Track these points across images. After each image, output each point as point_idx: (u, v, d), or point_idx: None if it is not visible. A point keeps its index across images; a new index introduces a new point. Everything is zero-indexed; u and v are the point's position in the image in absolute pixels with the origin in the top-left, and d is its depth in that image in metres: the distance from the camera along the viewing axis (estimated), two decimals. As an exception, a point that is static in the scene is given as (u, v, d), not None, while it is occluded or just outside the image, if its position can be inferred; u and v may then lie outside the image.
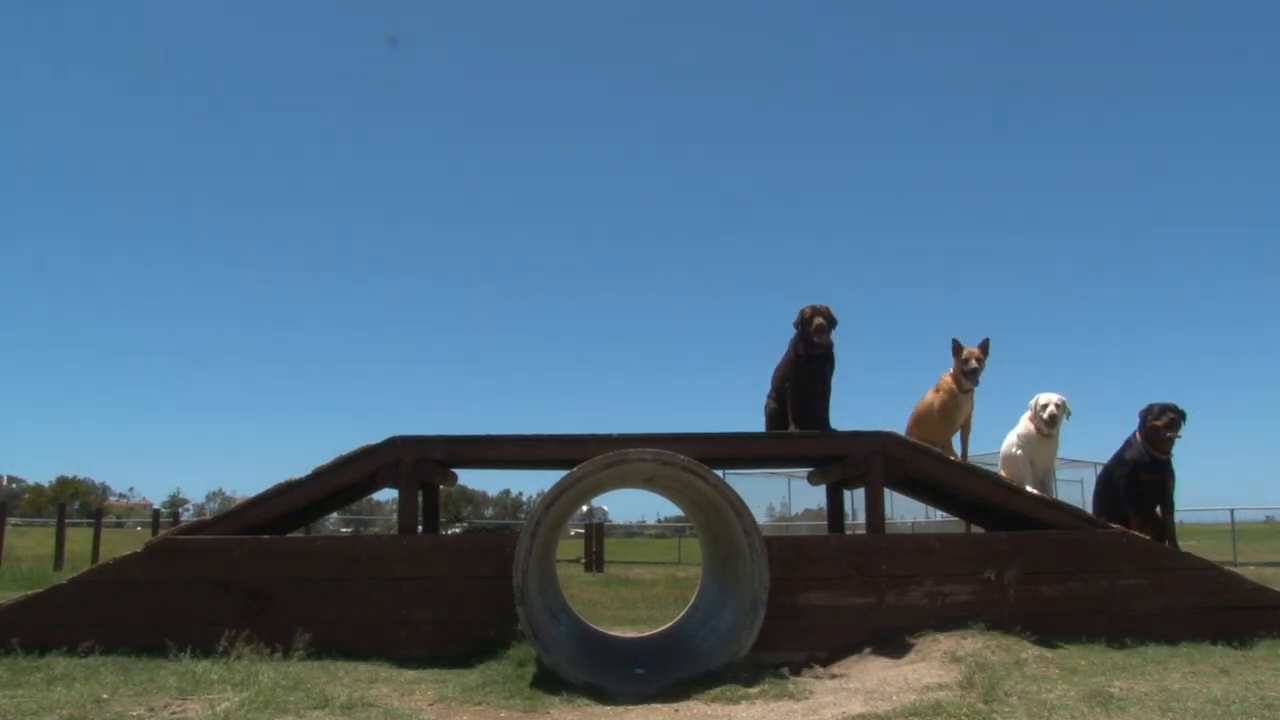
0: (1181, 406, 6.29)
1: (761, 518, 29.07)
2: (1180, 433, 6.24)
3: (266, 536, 5.99)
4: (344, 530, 33.50)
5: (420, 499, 6.60)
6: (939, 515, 21.98)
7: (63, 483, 71.80)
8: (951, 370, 6.72)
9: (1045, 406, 6.62)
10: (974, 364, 6.57)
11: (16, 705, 4.15)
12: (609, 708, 4.50)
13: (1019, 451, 6.74)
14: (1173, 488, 6.42)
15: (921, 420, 6.86)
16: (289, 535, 6.54)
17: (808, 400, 6.51)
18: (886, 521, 6.50)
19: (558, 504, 5.41)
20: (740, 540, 5.34)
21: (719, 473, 5.51)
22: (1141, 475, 6.32)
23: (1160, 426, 6.25)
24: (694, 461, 5.39)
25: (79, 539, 19.52)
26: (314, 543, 6.24)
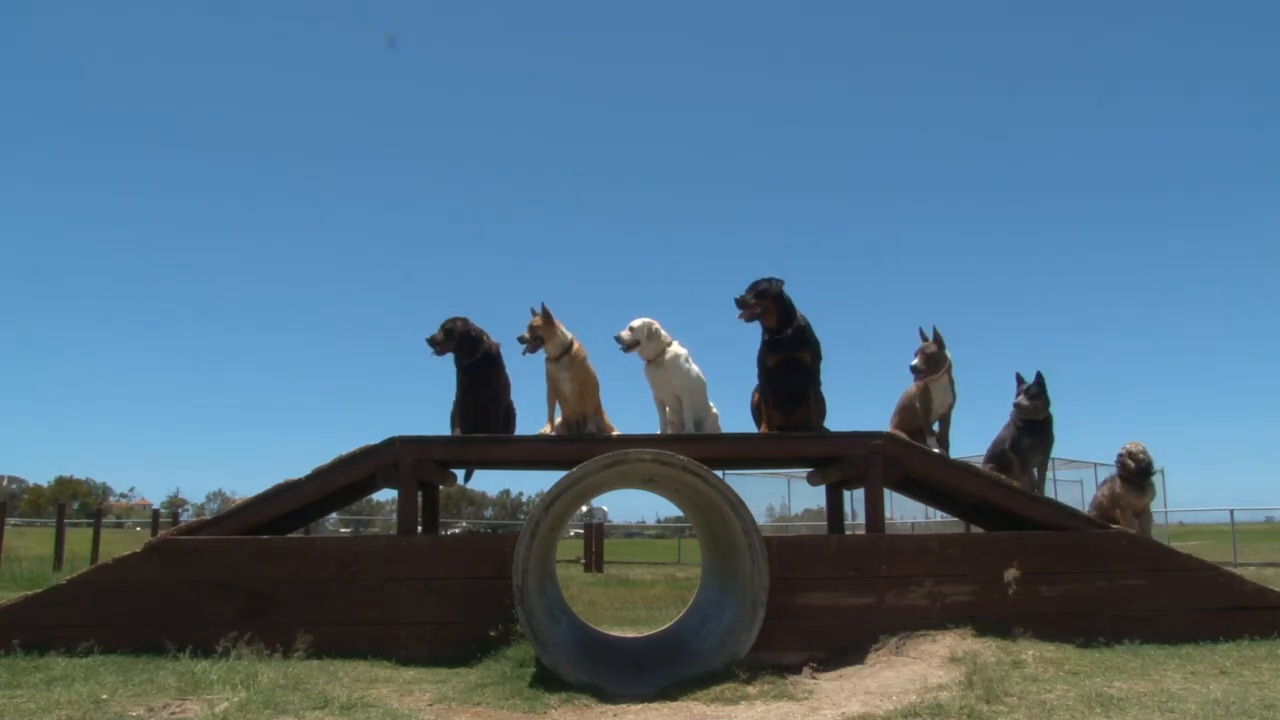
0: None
1: (761, 518, 29.07)
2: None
3: (266, 537, 5.99)
4: (343, 530, 33.47)
5: (420, 499, 6.60)
6: (938, 516, 21.99)
7: (62, 483, 71.80)
8: None
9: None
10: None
11: (16, 706, 4.15)
12: (608, 708, 4.50)
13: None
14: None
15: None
16: (288, 536, 6.54)
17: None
18: (886, 522, 6.49)
19: (557, 504, 5.41)
20: (740, 540, 5.34)
21: (719, 473, 5.51)
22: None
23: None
24: (694, 462, 5.39)
25: (78, 539, 19.51)
26: (314, 543, 6.23)
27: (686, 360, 6.45)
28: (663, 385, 6.45)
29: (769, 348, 6.21)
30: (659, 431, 6.41)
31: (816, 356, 6.28)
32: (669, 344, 6.41)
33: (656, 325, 6.40)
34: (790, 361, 6.20)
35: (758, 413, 6.54)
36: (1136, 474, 7.04)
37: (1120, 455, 7.15)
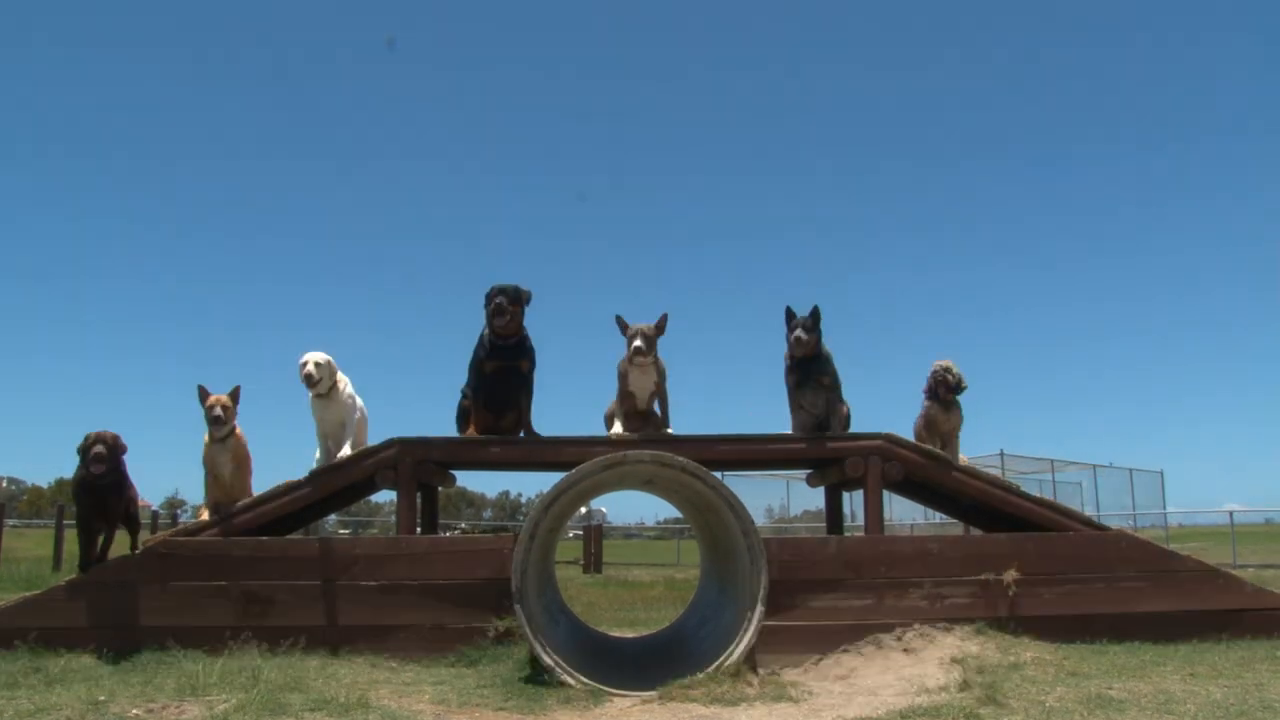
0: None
1: (760, 520, 29.12)
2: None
3: (265, 538, 5.99)
4: (342, 532, 33.46)
5: (419, 500, 6.60)
6: (938, 517, 22.02)
7: (61, 484, 71.61)
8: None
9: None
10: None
11: (15, 707, 4.15)
12: (608, 708, 4.50)
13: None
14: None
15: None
16: (288, 537, 6.54)
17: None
18: (885, 523, 6.49)
19: (556, 505, 5.42)
20: (739, 542, 5.35)
21: (718, 474, 5.51)
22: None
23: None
24: (693, 463, 5.39)
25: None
26: (312, 544, 6.22)
27: (353, 394, 6.50)
28: (331, 418, 6.43)
29: (491, 353, 6.20)
30: (318, 463, 6.35)
31: (533, 365, 6.33)
32: (339, 377, 6.45)
33: (333, 359, 6.41)
34: (511, 370, 6.25)
35: (465, 416, 6.45)
36: (943, 391, 6.67)
37: (930, 373, 6.79)
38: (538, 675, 4.91)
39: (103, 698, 4.33)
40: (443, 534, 8.91)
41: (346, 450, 6.25)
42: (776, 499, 30.31)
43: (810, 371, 6.27)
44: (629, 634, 7.48)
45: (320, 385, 6.23)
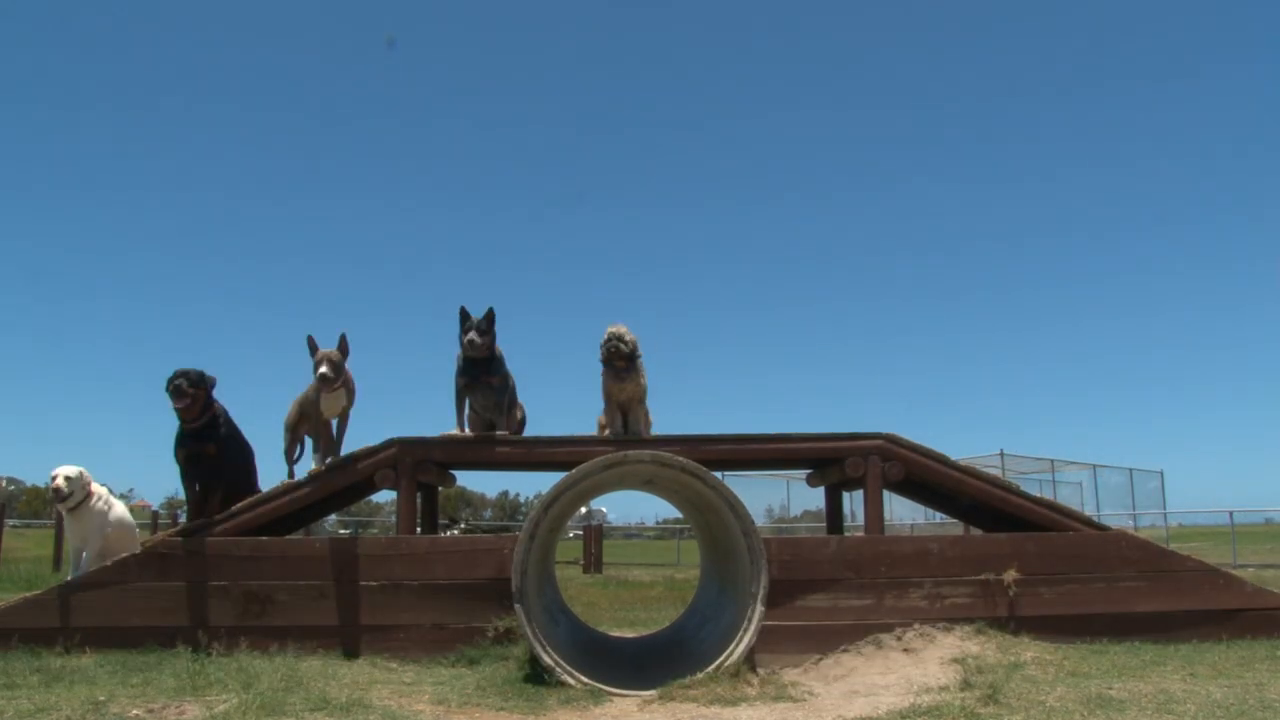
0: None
1: (760, 520, 29.12)
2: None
3: (265, 538, 5.98)
4: (342, 532, 33.45)
5: (419, 500, 6.60)
6: (938, 517, 22.02)
7: (61, 484, 71.44)
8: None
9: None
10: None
11: (15, 707, 4.14)
12: (608, 708, 4.50)
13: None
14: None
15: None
16: (287, 537, 6.54)
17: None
18: (885, 523, 6.49)
19: (556, 505, 5.42)
20: (739, 542, 5.35)
21: (718, 474, 5.51)
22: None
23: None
24: (693, 463, 5.39)
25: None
26: (312, 544, 6.22)
27: (106, 507, 6.36)
28: (81, 529, 6.27)
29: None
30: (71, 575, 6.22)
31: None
32: (94, 488, 6.31)
33: (85, 470, 6.29)
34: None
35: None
36: (616, 359, 6.27)
37: (602, 341, 6.37)
38: (538, 675, 4.91)
39: (103, 698, 4.33)
40: (442, 534, 8.90)
41: (85, 563, 6.13)
42: (776, 499, 30.34)
43: (478, 373, 6.25)
44: (629, 634, 7.48)
45: (71, 499, 6.11)
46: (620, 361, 6.21)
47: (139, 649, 5.46)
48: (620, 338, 6.18)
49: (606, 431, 6.29)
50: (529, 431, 6.70)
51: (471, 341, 6.16)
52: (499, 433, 6.30)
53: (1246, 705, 4.06)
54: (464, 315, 6.21)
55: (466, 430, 6.34)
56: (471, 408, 6.38)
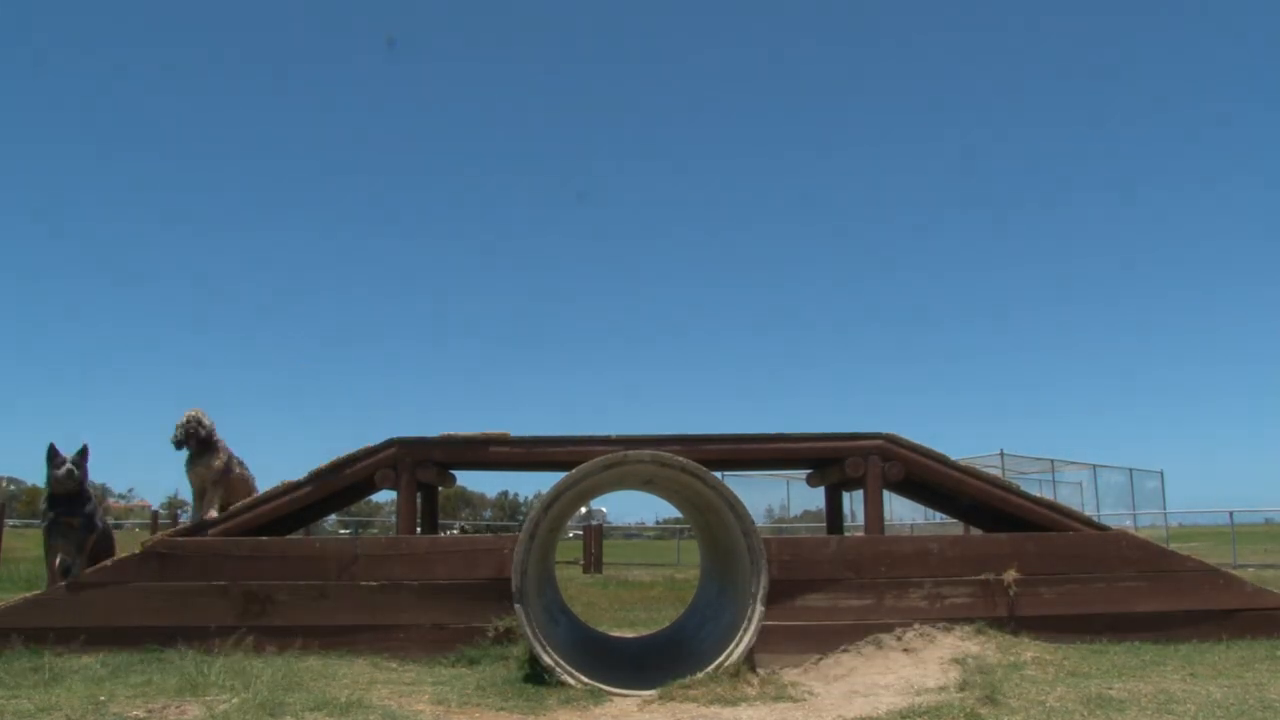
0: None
1: (760, 520, 29.12)
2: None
3: (265, 538, 5.99)
4: (342, 532, 33.48)
5: (419, 500, 6.60)
6: (938, 517, 22.03)
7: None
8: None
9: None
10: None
11: (15, 707, 4.14)
12: (608, 708, 4.50)
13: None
14: None
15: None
16: (288, 537, 6.54)
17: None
18: (885, 524, 6.50)
19: (556, 505, 5.42)
20: (739, 542, 5.35)
21: (718, 474, 5.52)
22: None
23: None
24: (693, 463, 5.39)
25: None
26: (313, 544, 6.23)
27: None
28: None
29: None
30: None
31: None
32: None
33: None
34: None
35: None
36: (192, 443, 6.67)
37: (180, 423, 6.73)
38: (538, 675, 4.91)
39: (103, 698, 4.33)
40: (442, 534, 8.91)
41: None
42: (776, 499, 30.36)
43: (64, 510, 6.10)
44: (629, 634, 7.48)
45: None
46: (197, 445, 6.63)
47: (139, 649, 5.47)
48: (199, 421, 6.65)
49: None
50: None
51: (60, 477, 6.04)
52: (498, 432, 6.31)
53: (1246, 705, 4.06)
54: (53, 451, 6.09)
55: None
56: (55, 546, 6.12)
